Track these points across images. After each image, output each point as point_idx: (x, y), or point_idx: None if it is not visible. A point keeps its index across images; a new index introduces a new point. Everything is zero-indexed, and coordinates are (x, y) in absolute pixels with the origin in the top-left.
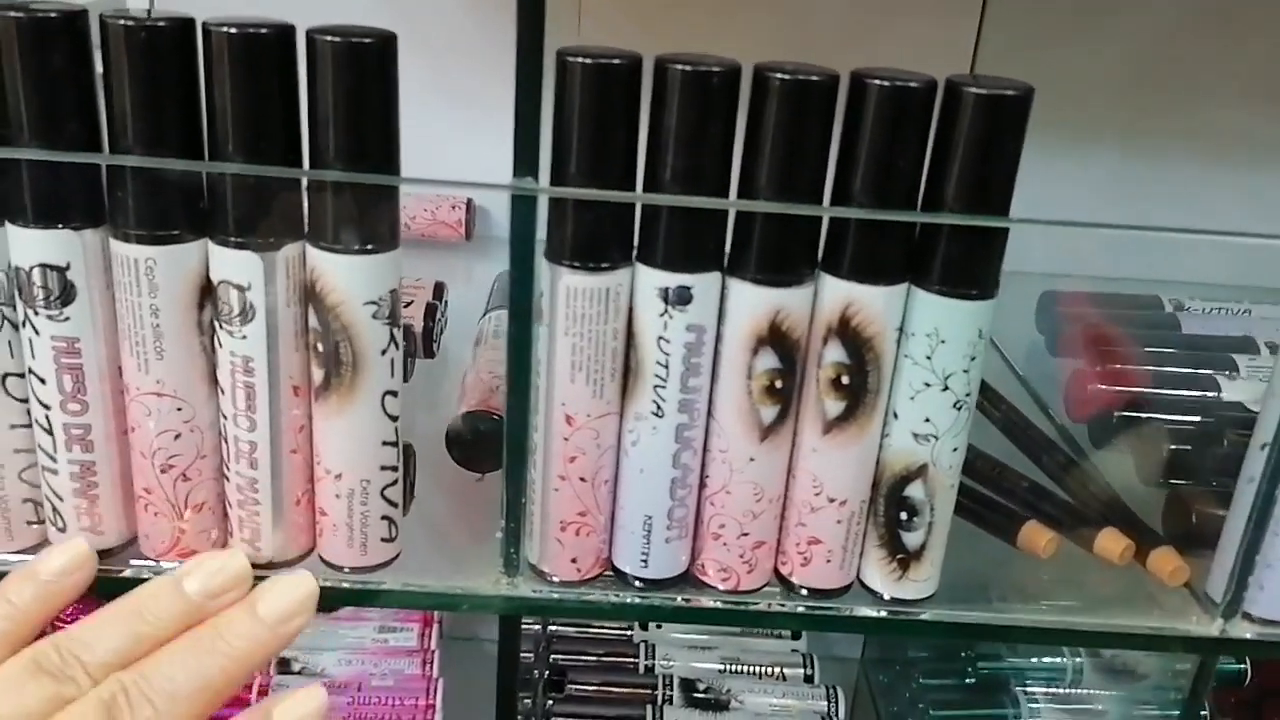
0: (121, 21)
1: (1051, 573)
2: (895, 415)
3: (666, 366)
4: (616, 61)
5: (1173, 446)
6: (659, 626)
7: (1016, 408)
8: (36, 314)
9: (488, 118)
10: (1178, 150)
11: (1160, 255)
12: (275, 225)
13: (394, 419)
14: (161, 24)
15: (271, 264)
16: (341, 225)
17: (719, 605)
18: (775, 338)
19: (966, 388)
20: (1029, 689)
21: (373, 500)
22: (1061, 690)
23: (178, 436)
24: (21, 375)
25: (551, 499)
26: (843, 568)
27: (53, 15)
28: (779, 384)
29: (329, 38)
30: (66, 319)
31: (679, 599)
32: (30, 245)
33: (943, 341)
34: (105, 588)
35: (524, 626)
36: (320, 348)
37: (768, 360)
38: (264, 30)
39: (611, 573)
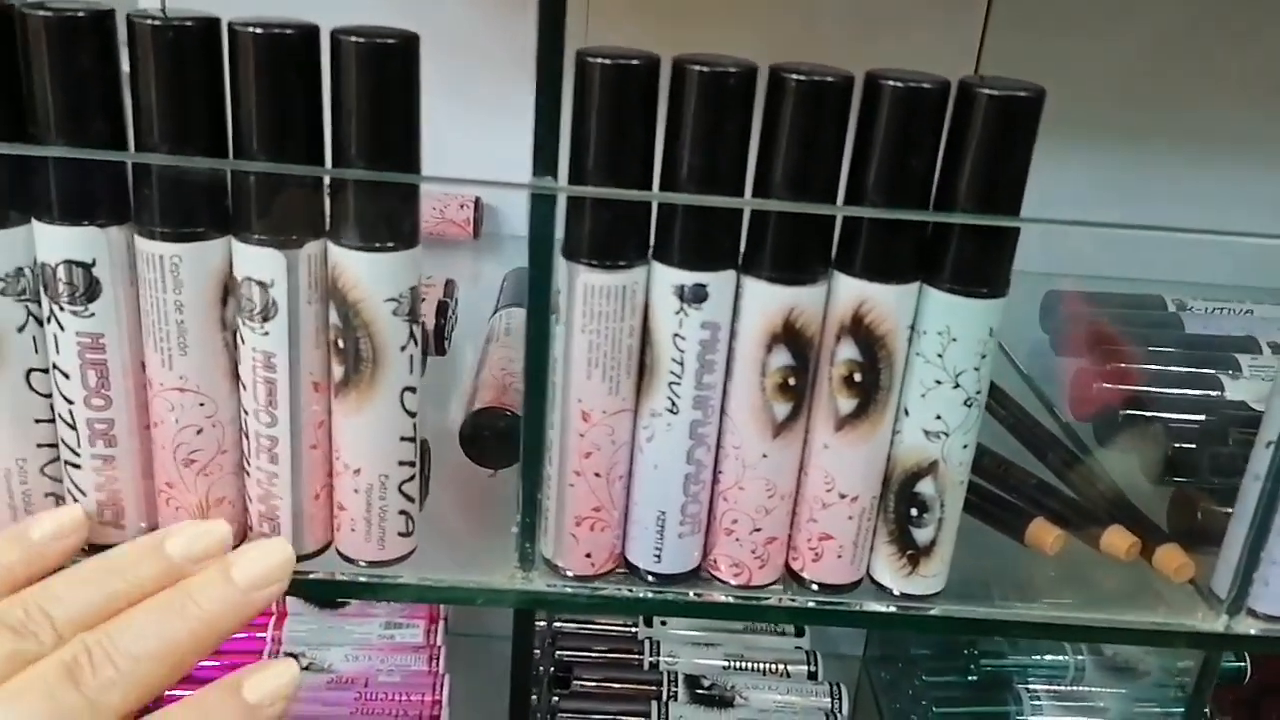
0: (148, 21)
1: (1057, 569)
2: (906, 412)
3: (681, 364)
4: (635, 62)
5: (1177, 445)
6: (664, 623)
7: (1022, 406)
8: (61, 310)
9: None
10: (1181, 150)
11: (1163, 255)
12: (298, 223)
13: (412, 415)
14: (188, 24)
15: (294, 261)
16: (363, 223)
17: (731, 600)
18: (789, 335)
19: (977, 385)
20: (1031, 686)
21: (391, 495)
22: (1064, 687)
23: (199, 432)
24: (45, 370)
25: (567, 494)
26: (853, 563)
27: (80, 14)
28: (792, 381)
29: (353, 38)
30: (91, 315)
31: (691, 594)
32: (56, 242)
33: (954, 340)
34: None
35: None
36: (341, 344)
37: (781, 358)
38: (289, 31)
39: (625, 568)
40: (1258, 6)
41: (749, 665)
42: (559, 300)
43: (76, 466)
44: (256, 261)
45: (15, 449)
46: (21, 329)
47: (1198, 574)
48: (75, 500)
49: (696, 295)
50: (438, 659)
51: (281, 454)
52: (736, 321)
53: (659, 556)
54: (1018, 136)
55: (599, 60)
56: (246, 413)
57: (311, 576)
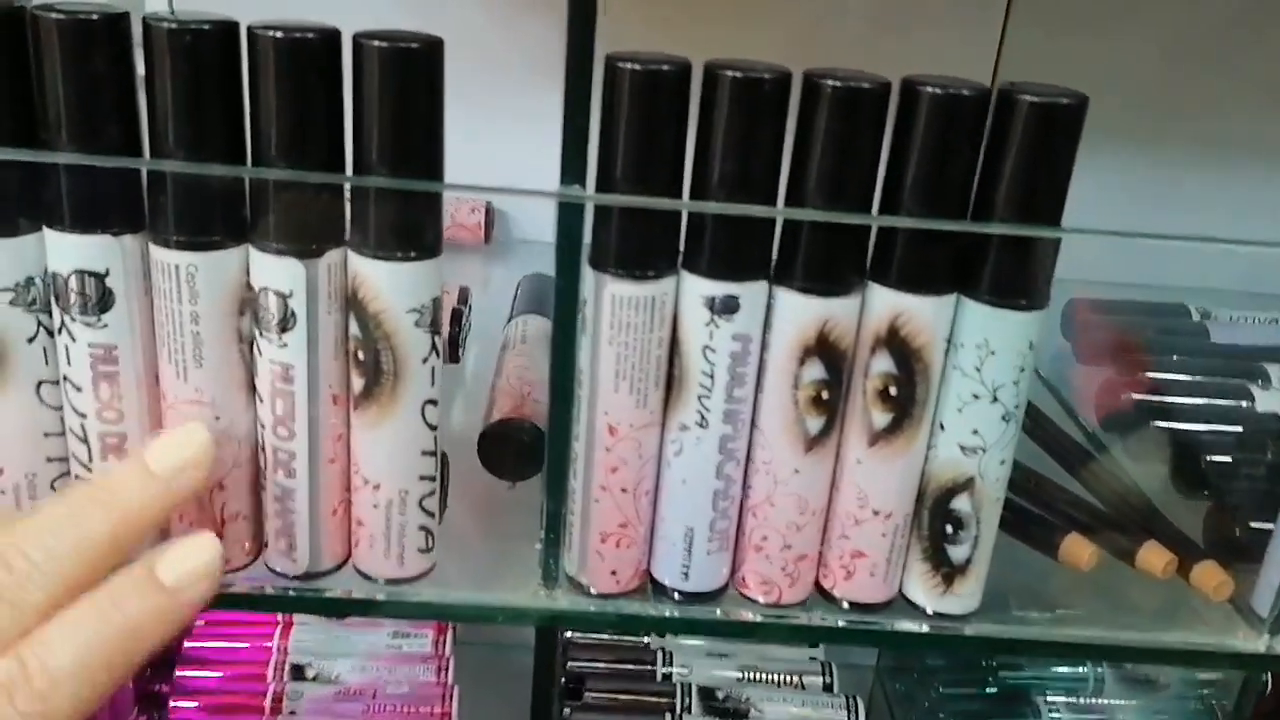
0: (164, 24)
1: (1091, 586)
2: (941, 427)
3: (712, 376)
4: (666, 68)
5: (1210, 457)
6: (675, 634)
7: (1049, 417)
8: (73, 320)
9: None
10: (1203, 155)
11: (1180, 261)
12: (318, 231)
13: (433, 428)
14: (206, 27)
15: (314, 271)
16: (386, 231)
17: (760, 619)
18: (823, 348)
19: (1016, 399)
20: (1050, 699)
21: (411, 511)
22: (1083, 700)
23: (215, 445)
24: (56, 382)
25: (592, 510)
26: (886, 581)
27: (94, 17)
28: (825, 395)
29: (377, 42)
30: (104, 326)
31: (719, 612)
32: (68, 251)
33: (992, 353)
34: None
35: None
36: (361, 356)
37: (815, 371)
38: (310, 35)
39: (650, 584)
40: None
41: (763, 677)
42: (585, 310)
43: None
44: (275, 271)
45: (24, 463)
46: (31, 340)
47: (1237, 591)
48: None
49: (727, 306)
50: (446, 669)
51: (299, 469)
52: (768, 333)
53: (686, 574)
54: (1059, 144)
55: (629, 66)
56: (263, 426)
57: (328, 594)
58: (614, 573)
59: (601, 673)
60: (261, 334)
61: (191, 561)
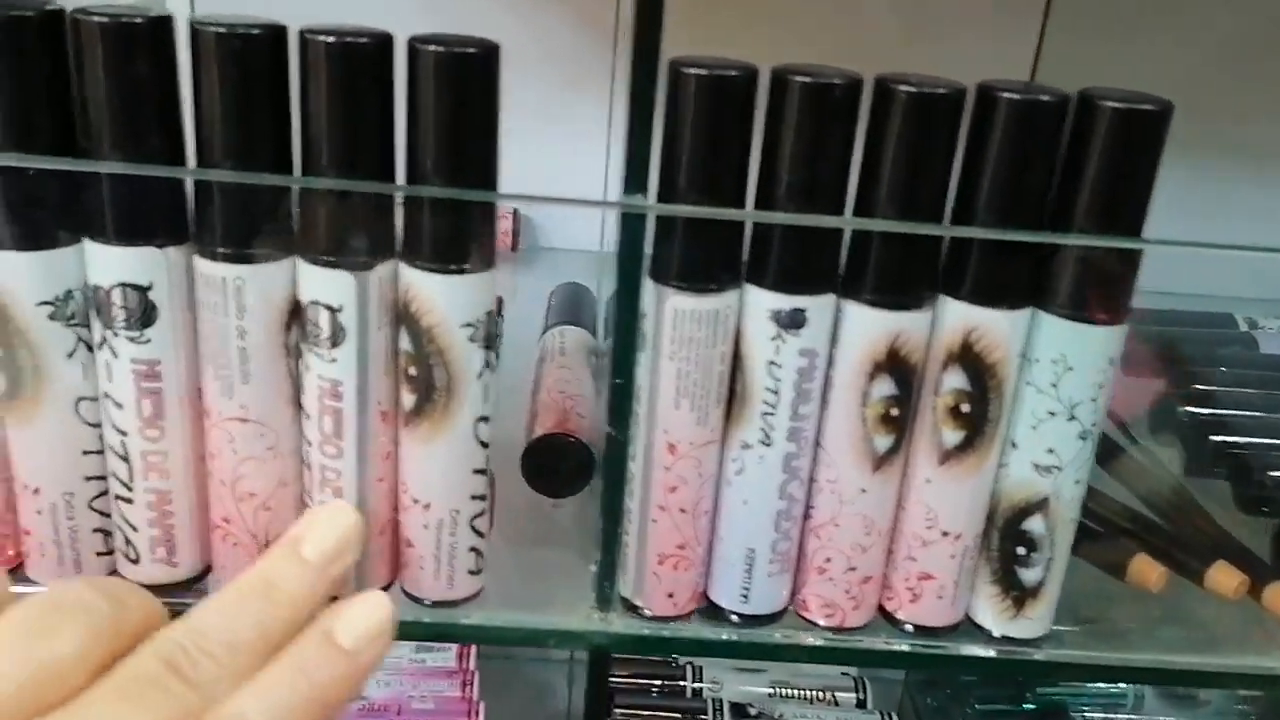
0: (212, 28)
1: (1159, 608)
2: (1014, 445)
3: (777, 393)
4: (733, 73)
5: (1273, 473)
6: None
7: (1105, 432)
8: (116, 335)
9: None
10: (1246, 163)
11: (1228, 272)
12: (369, 243)
13: (485, 446)
14: (255, 31)
15: (364, 284)
16: (440, 243)
17: (821, 643)
18: (893, 363)
19: (1093, 417)
20: (1088, 715)
21: (461, 531)
22: (1122, 717)
23: (259, 464)
24: (95, 399)
25: (649, 530)
26: (954, 604)
27: (138, 20)
28: (895, 412)
29: (433, 47)
30: (147, 341)
31: (778, 635)
32: (111, 263)
33: (1070, 368)
34: None
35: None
36: (412, 372)
37: (884, 387)
38: (364, 40)
39: (706, 606)
40: None
41: (795, 693)
42: (645, 325)
43: (128, 501)
44: (325, 284)
45: (62, 482)
46: (70, 355)
47: None
48: (126, 537)
49: (794, 320)
50: (471, 684)
51: (346, 488)
52: (835, 348)
53: (746, 596)
54: (1143, 152)
55: (694, 71)
56: (309, 444)
57: None
58: (670, 595)
59: (631, 689)
60: (310, 349)
61: (368, 622)
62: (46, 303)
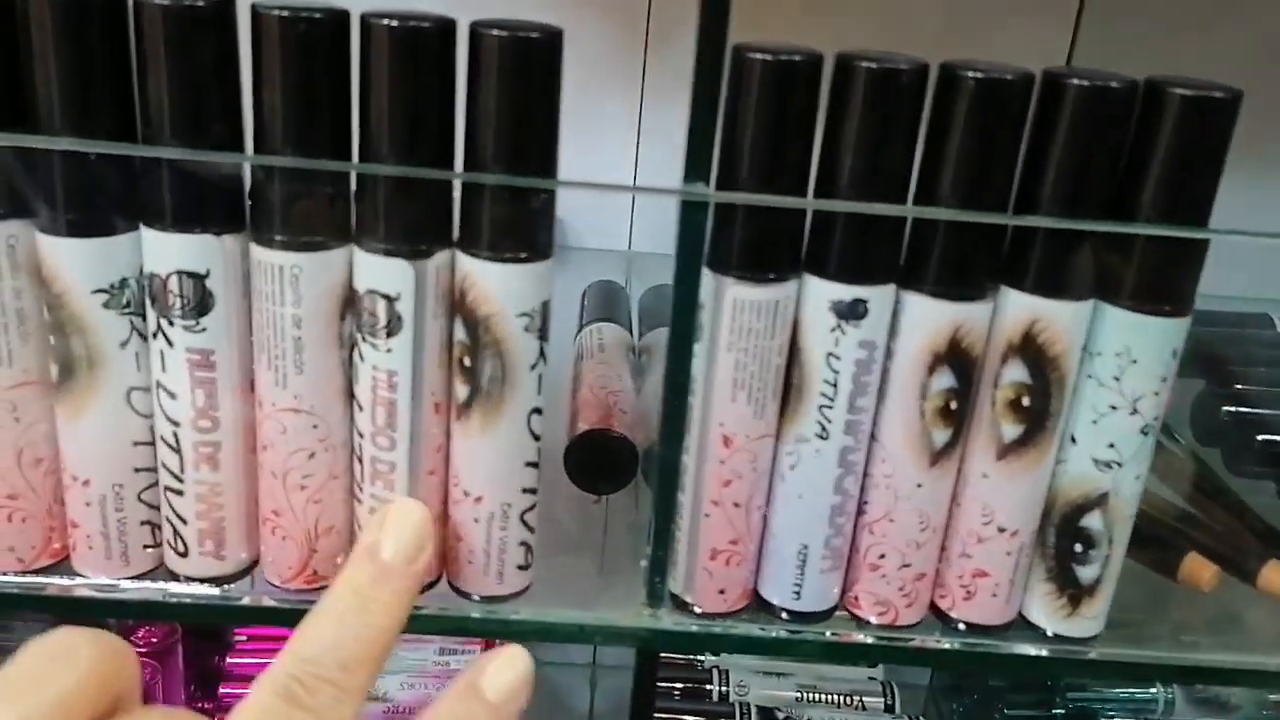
0: (275, 11)
1: (1211, 607)
2: (1073, 440)
3: (835, 385)
4: (799, 58)
5: None
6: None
7: None
8: (171, 324)
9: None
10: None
11: (1262, 271)
12: (427, 231)
13: (538, 439)
14: (318, 15)
15: (422, 272)
16: (500, 231)
17: (872, 641)
18: (954, 355)
19: (1155, 412)
20: None
21: (512, 525)
22: None
23: (311, 456)
24: (146, 389)
25: (701, 526)
26: (1009, 602)
27: (200, 3)
28: (954, 405)
29: (496, 32)
30: (203, 330)
31: (829, 633)
32: (168, 251)
33: (1134, 362)
34: (226, 616)
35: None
36: (467, 362)
37: (945, 380)
38: (426, 24)
39: (756, 603)
40: None
41: (822, 697)
42: (701, 316)
43: (178, 493)
44: (382, 273)
45: (112, 473)
46: (124, 345)
47: None
48: (175, 530)
49: (855, 311)
50: None
51: (398, 480)
52: (894, 340)
53: (798, 593)
54: (1211, 140)
55: (759, 56)
56: (361, 435)
57: (423, 612)
58: (722, 591)
59: (658, 692)
60: (365, 339)
61: (510, 675)
62: (101, 290)
